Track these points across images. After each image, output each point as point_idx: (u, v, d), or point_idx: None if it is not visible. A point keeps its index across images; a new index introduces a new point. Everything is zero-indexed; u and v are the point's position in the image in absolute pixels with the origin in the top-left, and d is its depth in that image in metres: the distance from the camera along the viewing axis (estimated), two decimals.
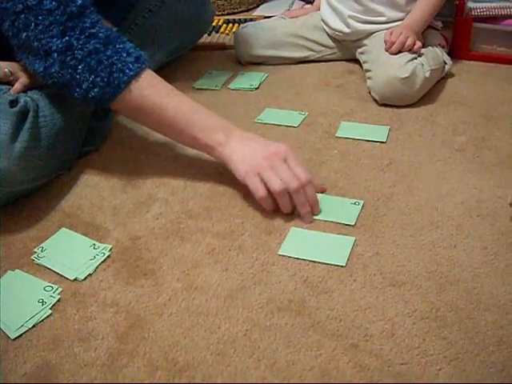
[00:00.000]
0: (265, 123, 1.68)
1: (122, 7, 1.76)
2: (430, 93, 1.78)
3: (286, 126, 1.66)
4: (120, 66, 1.28)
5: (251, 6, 2.66)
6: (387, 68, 1.70)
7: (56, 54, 1.27)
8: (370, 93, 1.78)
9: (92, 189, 1.41)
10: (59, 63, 1.28)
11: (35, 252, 1.21)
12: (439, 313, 1.04)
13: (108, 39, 1.29)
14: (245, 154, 1.29)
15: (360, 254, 1.18)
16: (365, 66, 1.85)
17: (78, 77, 1.28)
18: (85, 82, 1.28)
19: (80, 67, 1.27)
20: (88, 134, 1.56)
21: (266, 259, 1.17)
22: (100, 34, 1.29)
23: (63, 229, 1.27)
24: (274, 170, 1.25)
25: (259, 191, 1.25)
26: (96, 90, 1.29)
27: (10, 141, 1.25)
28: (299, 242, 1.22)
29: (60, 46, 1.26)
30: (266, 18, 2.38)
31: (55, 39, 1.26)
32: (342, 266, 1.15)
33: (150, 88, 1.32)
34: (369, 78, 1.79)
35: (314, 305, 1.06)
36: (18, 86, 1.40)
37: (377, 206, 1.31)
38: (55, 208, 1.35)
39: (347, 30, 1.92)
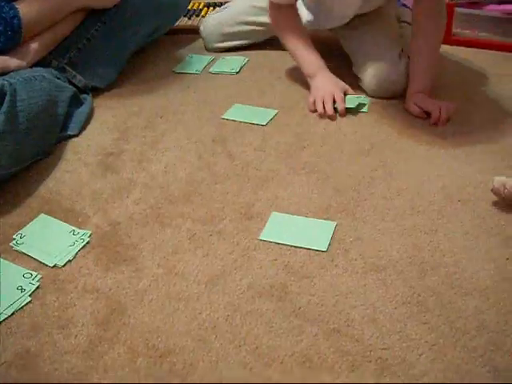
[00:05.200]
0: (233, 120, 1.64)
1: None
2: None
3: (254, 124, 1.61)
4: (10, 15, 1.51)
5: None
6: (378, 67, 1.69)
7: None
8: (359, 83, 1.77)
9: (71, 174, 1.40)
10: None
11: (14, 239, 1.20)
12: (420, 298, 1.04)
13: None
14: None
15: (341, 238, 1.18)
16: (350, 54, 1.82)
17: None
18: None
19: None
20: (67, 119, 1.54)
21: (247, 244, 1.17)
22: None
23: (42, 215, 1.26)
24: None
25: None
26: (10, 42, 1.53)
27: None
28: (280, 227, 1.22)
29: None
30: None
31: None
32: (323, 251, 1.14)
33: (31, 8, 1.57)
34: (358, 68, 1.76)
35: (296, 290, 1.06)
36: None
37: (358, 191, 1.31)
38: (34, 194, 1.33)
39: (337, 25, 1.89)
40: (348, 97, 1.66)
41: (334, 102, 1.63)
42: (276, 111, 1.64)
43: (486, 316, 1.00)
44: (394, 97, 1.70)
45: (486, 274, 1.08)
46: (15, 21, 1.50)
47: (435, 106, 1.57)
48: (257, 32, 2.05)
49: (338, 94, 1.64)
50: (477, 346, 0.95)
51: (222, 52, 2.06)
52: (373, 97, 1.71)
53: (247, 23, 2.04)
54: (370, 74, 1.70)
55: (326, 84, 1.68)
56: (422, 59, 1.64)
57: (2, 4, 1.50)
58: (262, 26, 2.02)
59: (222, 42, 2.07)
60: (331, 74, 1.72)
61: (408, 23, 1.84)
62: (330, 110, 1.61)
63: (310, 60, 1.73)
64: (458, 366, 0.92)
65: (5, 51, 1.53)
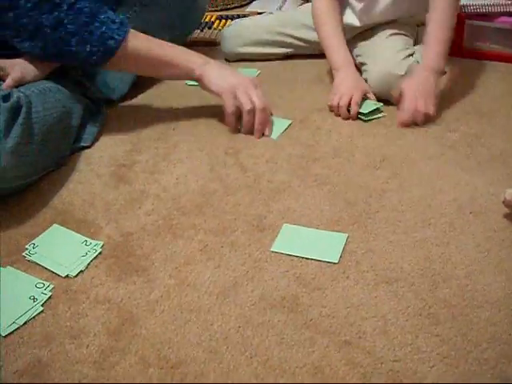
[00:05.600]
0: None
1: (113, 1, 1.75)
2: None
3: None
4: (109, 33, 1.46)
5: (244, 2, 2.66)
6: (384, 64, 1.70)
7: (48, 30, 1.40)
8: None
9: (84, 185, 1.40)
10: (52, 40, 1.42)
11: (27, 249, 1.20)
12: (432, 310, 1.03)
13: (93, 12, 1.44)
14: (222, 74, 1.60)
15: (353, 250, 1.18)
16: (359, 59, 1.84)
17: (73, 49, 1.44)
18: (82, 52, 1.45)
19: (74, 40, 1.43)
20: (80, 130, 1.55)
21: (259, 256, 1.17)
22: (85, 9, 1.43)
23: (55, 225, 1.27)
24: (246, 93, 1.57)
25: (230, 107, 1.58)
26: (94, 57, 1.47)
27: (3, 136, 1.24)
28: (292, 238, 1.22)
29: (51, 21, 1.39)
30: (258, 13, 2.38)
31: (45, 15, 1.39)
32: (334, 263, 1.14)
33: (137, 42, 1.52)
34: (365, 70, 1.78)
35: (307, 302, 1.06)
36: (9, 81, 1.39)
37: (370, 203, 1.31)
38: (47, 204, 1.34)
39: (358, 24, 1.90)
40: (366, 101, 1.67)
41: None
42: (289, 122, 1.64)
43: (498, 328, 1.00)
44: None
45: (498, 286, 1.08)
46: (109, 42, 1.48)
47: (411, 106, 1.59)
48: (294, 46, 2.07)
49: (355, 96, 1.65)
50: (488, 358, 0.94)
51: (239, 61, 2.07)
52: (379, 99, 1.71)
53: (282, 34, 2.05)
54: (375, 71, 1.72)
55: (346, 82, 1.71)
56: (434, 35, 1.66)
57: (106, 17, 1.48)
58: (301, 40, 2.05)
59: (248, 46, 2.07)
60: (356, 72, 1.75)
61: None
62: (343, 115, 1.65)
63: (339, 53, 1.78)
64: (469, 378, 0.91)
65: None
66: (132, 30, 1.52)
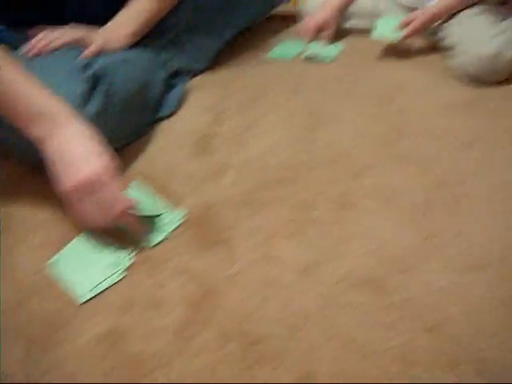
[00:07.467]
0: None
1: None
2: None
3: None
4: None
5: None
6: (477, 45, 1.64)
7: None
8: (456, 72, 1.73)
9: (164, 155, 1.39)
10: None
11: None
12: None
13: None
14: (61, 167, 1.09)
15: (441, 234, 1.13)
16: (444, 42, 1.78)
17: None
18: None
19: None
20: (160, 101, 1.54)
21: (343, 234, 1.14)
22: None
23: (134, 182, 1.25)
24: (84, 204, 1.08)
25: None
26: None
27: (83, 104, 1.23)
28: None
29: None
30: None
31: None
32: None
33: None
34: (454, 55, 1.72)
35: (392, 283, 1.03)
36: (92, 48, 1.38)
37: (460, 185, 1.26)
38: (128, 171, 1.34)
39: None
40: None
41: None
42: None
43: None
44: (496, 77, 1.65)
45: None
46: None
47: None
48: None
49: None
50: None
51: None
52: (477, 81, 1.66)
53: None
54: (470, 56, 1.65)
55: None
56: None
57: None
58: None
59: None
60: None
61: None
62: None
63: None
64: None
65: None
66: None
